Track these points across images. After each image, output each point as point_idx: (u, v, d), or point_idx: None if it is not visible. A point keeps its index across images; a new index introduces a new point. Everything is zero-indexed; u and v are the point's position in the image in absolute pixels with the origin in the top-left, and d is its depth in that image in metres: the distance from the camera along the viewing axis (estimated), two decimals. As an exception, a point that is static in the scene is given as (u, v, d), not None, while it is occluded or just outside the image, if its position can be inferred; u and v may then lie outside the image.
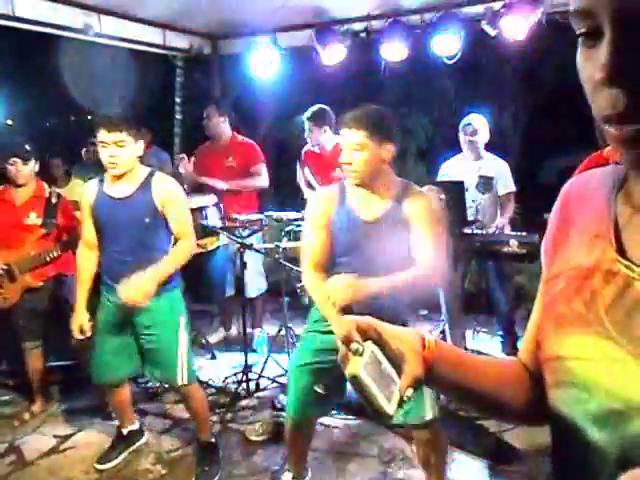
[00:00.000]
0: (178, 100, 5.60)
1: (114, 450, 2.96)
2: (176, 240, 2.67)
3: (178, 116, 5.58)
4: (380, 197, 2.16)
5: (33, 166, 3.28)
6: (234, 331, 4.61)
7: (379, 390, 0.72)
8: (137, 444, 3.04)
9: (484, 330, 4.35)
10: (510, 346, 3.98)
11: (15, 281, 3.25)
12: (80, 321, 2.67)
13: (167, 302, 2.66)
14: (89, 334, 2.68)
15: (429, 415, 2.16)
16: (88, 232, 2.69)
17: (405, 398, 0.73)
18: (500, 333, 4.09)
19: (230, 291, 4.33)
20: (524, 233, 3.30)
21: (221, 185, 4.05)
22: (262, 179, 4.24)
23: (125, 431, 3.00)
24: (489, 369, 0.86)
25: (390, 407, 0.72)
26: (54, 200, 3.30)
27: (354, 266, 2.10)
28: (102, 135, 2.45)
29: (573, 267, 0.70)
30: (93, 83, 8.68)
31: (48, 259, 3.24)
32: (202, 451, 2.90)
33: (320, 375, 2.25)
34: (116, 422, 3.15)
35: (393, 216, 2.13)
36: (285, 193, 4.54)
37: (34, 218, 3.25)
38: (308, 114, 4.09)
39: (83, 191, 2.72)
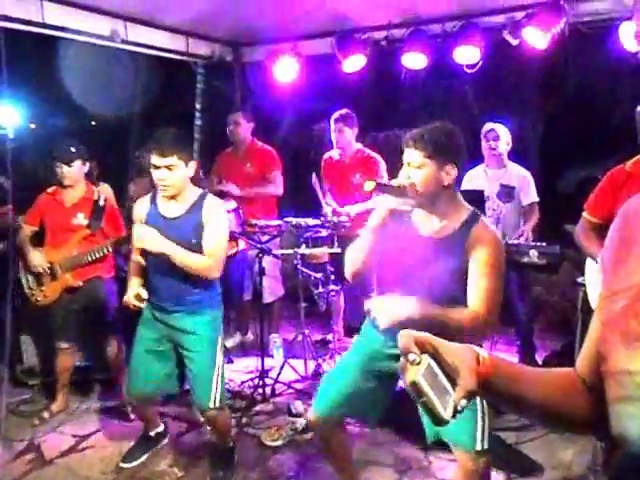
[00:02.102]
0: (198, 106, 5.67)
1: (138, 449, 3.00)
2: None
3: (198, 122, 5.66)
4: (440, 218, 2.08)
5: (79, 168, 3.34)
6: (250, 336, 4.64)
7: (436, 397, 0.78)
8: (160, 444, 3.08)
9: (502, 340, 4.32)
10: (528, 357, 3.94)
11: (56, 279, 3.32)
12: (136, 290, 2.65)
13: (208, 320, 2.69)
14: (142, 304, 2.65)
15: (477, 446, 2.08)
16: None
17: (459, 408, 0.78)
18: (518, 343, 4.06)
19: (247, 296, 4.37)
20: (544, 244, 3.28)
21: (235, 191, 4.09)
22: (276, 187, 4.27)
23: (152, 433, 3.04)
24: (545, 381, 0.89)
25: (446, 414, 0.78)
26: (101, 203, 3.37)
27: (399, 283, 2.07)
28: (154, 159, 2.49)
29: (636, 284, 0.72)
30: (117, 88, 8.82)
31: (90, 260, 3.29)
32: (218, 455, 2.92)
33: (354, 378, 2.23)
34: (134, 423, 3.19)
35: (452, 240, 2.02)
36: (303, 199, 4.56)
37: (81, 219, 3.32)
38: (337, 115, 4.11)
39: (135, 207, 2.74)
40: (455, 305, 1.97)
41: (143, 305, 2.64)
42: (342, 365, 2.39)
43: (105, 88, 8.74)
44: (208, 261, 2.56)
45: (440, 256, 2.01)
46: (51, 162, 3.31)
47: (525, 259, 3.17)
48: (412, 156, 2.01)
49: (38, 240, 3.44)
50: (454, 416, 0.79)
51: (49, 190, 3.41)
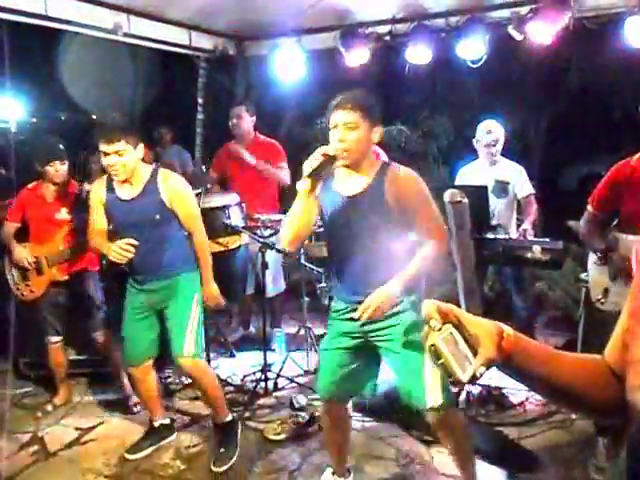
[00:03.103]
0: (200, 100, 5.66)
1: (145, 441, 3.02)
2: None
3: (200, 116, 5.64)
4: (362, 175, 2.20)
5: (67, 165, 3.35)
6: (252, 330, 4.65)
7: (454, 361, 0.84)
8: (167, 439, 3.09)
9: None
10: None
11: (42, 274, 3.32)
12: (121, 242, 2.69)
13: (183, 280, 2.82)
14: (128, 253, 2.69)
15: (429, 402, 2.19)
16: (99, 224, 2.82)
17: (478, 374, 0.83)
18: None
19: (250, 290, 4.36)
20: (547, 239, 3.28)
21: (249, 158, 4.08)
22: (285, 174, 4.27)
23: (156, 424, 3.05)
24: (569, 363, 0.91)
25: (464, 376, 0.84)
26: (84, 196, 3.36)
27: (339, 241, 2.24)
28: (102, 146, 2.58)
29: None
30: (119, 82, 8.81)
31: (75, 254, 3.29)
32: (219, 432, 2.95)
33: (345, 357, 2.33)
34: (137, 416, 3.20)
35: (375, 193, 2.16)
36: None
37: (64, 214, 3.33)
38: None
39: (92, 191, 2.86)
40: (392, 250, 2.14)
41: (132, 254, 2.66)
42: (324, 347, 2.47)
43: (107, 82, 8.74)
44: (201, 237, 2.81)
45: (367, 212, 2.15)
46: (42, 161, 3.26)
47: (528, 255, 3.16)
48: (348, 117, 2.09)
49: (23, 236, 3.42)
50: (472, 382, 0.85)
51: (29, 186, 3.40)
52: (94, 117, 11.97)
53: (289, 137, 5.64)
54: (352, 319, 2.24)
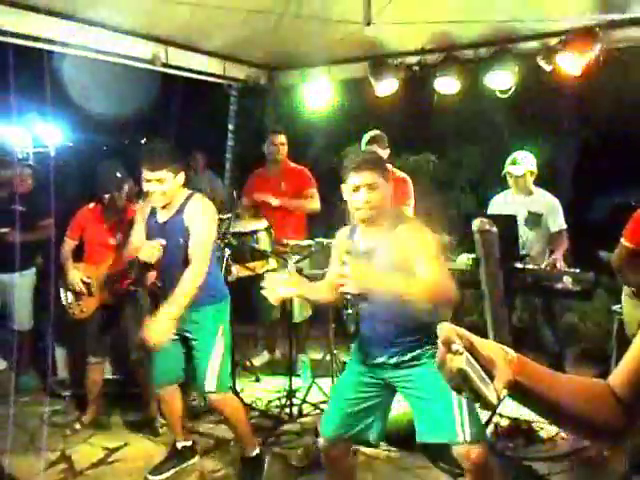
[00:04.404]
0: (231, 127, 5.82)
1: (167, 463, 3.04)
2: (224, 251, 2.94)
3: (230, 142, 5.79)
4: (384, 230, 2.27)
5: (126, 190, 3.45)
6: (278, 355, 4.66)
7: (480, 383, 0.83)
8: (188, 462, 3.10)
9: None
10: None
11: (92, 295, 3.41)
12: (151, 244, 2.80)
13: (209, 311, 2.84)
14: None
15: (459, 437, 2.16)
16: (137, 240, 2.92)
17: (502, 397, 0.83)
18: (549, 371, 3.97)
19: (276, 315, 4.39)
20: (577, 270, 3.24)
21: (274, 201, 4.16)
22: (314, 202, 4.33)
23: (179, 446, 3.07)
24: (573, 386, 0.92)
25: (493, 397, 0.83)
26: None
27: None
28: (145, 173, 2.68)
29: None
30: (156, 108, 9.09)
31: (125, 277, 3.37)
32: (246, 465, 2.94)
33: (355, 397, 2.34)
34: (163, 438, 3.23)
35: (390, 245, 2.22)
36: (333, 221, 4.60)
37: (120, 239, 3.40)
38: (369, 137, 4.11)
39: (140, 207, 3.00)
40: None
41: (158, 253, 2.73)
42: (339, 387, 2.50)
43: (140, 109, 9.03)
44: (194, 269, 2.67)
45: (386, 263, 2.19)
46: (102, 190, 3.39)
47: (558, 285, 3.13)
48: (370, 178, 2.19)
49: (77, 254, 3.53)
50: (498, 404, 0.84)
51: (90, 206, 3.50)
52: (126, 142, 12.37)
53: (317, 164, 5.72)
54: (373, 365, 2.30)
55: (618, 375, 0.93)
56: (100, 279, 3.39)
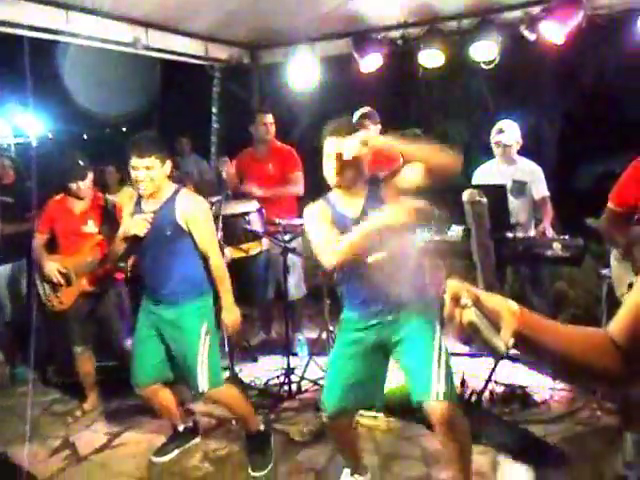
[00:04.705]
0: (215, 110, 5.77)
1: (170, 444, 3.07)
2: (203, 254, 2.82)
3: (215, 125, 5.74)
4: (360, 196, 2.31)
5: (90, 179, 3.42)
6: (274, 335, 4.69)
7: (490, 334, 0.89)
8: (192, 442, 3.14)
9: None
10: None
11: (71, 285, 3.40)
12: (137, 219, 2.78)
13: (188, 309, 2.79)
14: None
15: (437, 393, 2.21)
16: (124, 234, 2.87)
17: (509, 345, 0.88)
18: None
19: (271, 295, 4.42)
20: (566, 236, 3.29)
21: (257, 192, 4.15)
22: (298, 187, 4.32)
23: (180, 428, 3.10)
24: (574, 335, 0.98)
25: (502, 345, 0.88)
26: (110, 208, 3.44)
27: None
28: (134, 160, 2.66)
29: None
30: (137, 94, 8.95)
31: (102, 264, 3.36)
32: (253, 441, 2.97)
33: (349, 367, 2.37)
34: (165, 420, 3.25)
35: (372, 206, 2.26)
36: (319, 198, 4.61)
37: (92, 226, 3.40)
38: (361, 113, 4.09)
39: (124, 200, 2.96)
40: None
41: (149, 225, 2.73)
42: (334, 360, 2.50)
43: (120, 94, 8.90)
44: (217, 261, 2.80)
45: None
46: (65, 179, 3.35)
47: (548, 252, 3.17)
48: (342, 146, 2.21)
49: (51, 246, 3.50)
50: (505, 352, 0.89)
51: (57, 197, 3.47)
52: (107, 130, 12.21)
53: (303, 142, 5.70)
54: (362, 329, 2.33)
55: (616, 324, 0.97)
56: (78, 268, 3.37)
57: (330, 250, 2.20)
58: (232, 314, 2.87)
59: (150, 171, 2.66)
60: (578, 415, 3.23)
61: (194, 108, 7.43)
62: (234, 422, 3.34)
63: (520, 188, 3.83)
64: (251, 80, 5.68)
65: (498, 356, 0.94)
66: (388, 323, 2.31)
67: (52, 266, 3.36)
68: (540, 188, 3.87)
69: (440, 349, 2.31)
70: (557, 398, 3.44)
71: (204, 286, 2.86)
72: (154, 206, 2.77)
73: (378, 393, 2.46)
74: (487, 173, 3.97)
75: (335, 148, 2.22)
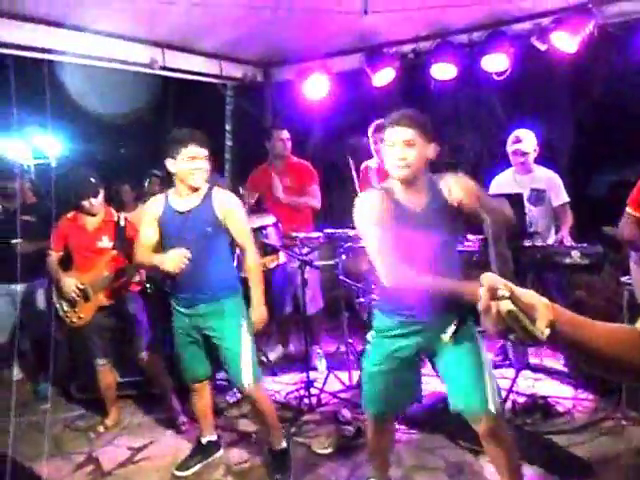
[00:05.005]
0: (228, 127, 5.86)
1: (192, 458, 3.08)
2: (236, 247, 2.90)
3: (228, 142, 5.83)
4: (420, 192, 2.27)
5: (102, 195, 3.49)
6: (292, 348, 4.70)
7: (528, 321, 0.91)
8: (214, 456, 3.15)
9: (545, 345, 4.29)
10: (573, 361, 3.91)
11: (89, 301, 3.45)
12: (176, 252, 2.74)
13: (228, 305, 2.85)
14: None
15: (491, 407, 2.22)
16: (148, 238, 2.86)
17: (545, 336, 0.90)
18: (562, 347, 4.02)
19: (288, 309, 4.44)
20: (585, 244, 3.28)
21: (280, 195, 4.20)
22: (316, 200, 4.37)
23: (204, 440, 3.12)
24: (603, 330, 0.99)
25: (541, 335, 0.91)
26: (122, 223, 3.50)
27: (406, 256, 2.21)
28: (194, 149, 2.69)
29: None
30: (152, 113, 9.12)
31: (120, 278, 3.41)
32: (274, 459, 2.98)
33: (391, 375, 2.37)
34: (186, 434, 3.27)
35: (440, 205, 2.24)
36: (337, 212, 4.66)
37: (106, 241, 3.45)
38: (375, 125, 4.11)
39: (148, 204, 2.94)
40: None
41: (184, 263, 2.72)
42: (374, 366, 2.46)
43: (134, 114, 9.06)
44: (252, 255, 2.87)
45: (436, 224, 2.22)
46: (77, 196, 3.40)
47: (567, 260, 3.17)
48: (406, 134, 2.17)
49: (65, 263, 3.55)
50: (541, 343, 0.92)
51: (69, 215, 3.53)
52: (122, 150, 12.41)
53: (318, 157, 5.77)
54: (403, 335, 2.31)
55: None
56: (94, 283, 3.42)
57: (392, 272, 2.18)
58: (260, 310, 2.91)
59: (206, 162, 2.73)
60: (602, 425, 3.19)
61: (207, 125, 7.55)
62: (254, 436, 3.36)
63: (538, 196, 3.84)
64: (263, 97, 5.76)
65: (537, 344, 0.95)
66: (430, 330, 2.27)
67: (70, 282, 3.42)
68: (559, 195, 3.87)
69: (487, 361, 2.31)
70: (580, 408, 3.41)
71: (238, 283, 2.95)
72: (189, 205, 2.78)
73: (417, 391, 2.49)
74: (504, 182, 3.98)
75: (401, 135, 2.16)
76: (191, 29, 4.17)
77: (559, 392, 3.61)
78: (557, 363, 4.01)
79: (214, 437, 3.17)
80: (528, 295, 0.93)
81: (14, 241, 3.65)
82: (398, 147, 2.18)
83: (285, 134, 4.37)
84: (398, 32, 4.54)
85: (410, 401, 2.52)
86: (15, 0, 3.31)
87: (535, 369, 3.92)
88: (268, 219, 3.92)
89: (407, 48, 4.66)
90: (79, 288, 3.41)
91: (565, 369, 3.92)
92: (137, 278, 3.57)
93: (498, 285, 0.92)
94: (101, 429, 3.54)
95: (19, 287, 3.88)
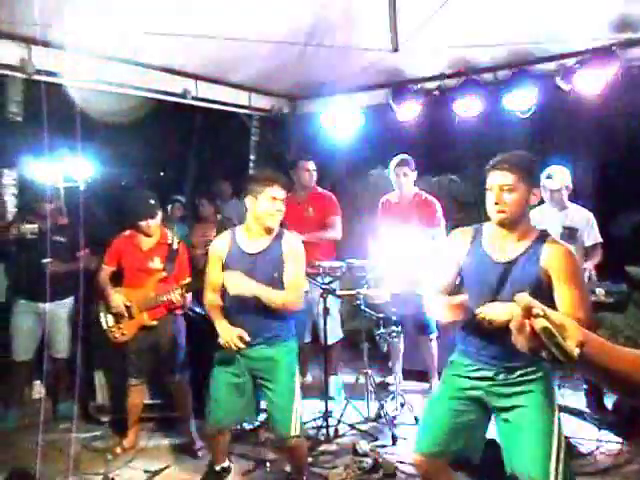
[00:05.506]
0: (252, 157, 6.01)
1: None
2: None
3: (253, 172, 5.95)
4: (517, 239, 2.19)
5: (160, 217, 3.57)
6: (309, 378, 4.68)
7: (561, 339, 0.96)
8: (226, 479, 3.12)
9: (568, 385, 4.23)
10: (596, 401, 3.84)
11: (133, 318, 3.51)
12: (237, 331, 2.68)
13: (285, 353, 2.79)
14: (244, 345, 2.68)
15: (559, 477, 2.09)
16: (216, 278, 2.78)
17: (576, 354, 0.95)
18: (585, 387, 3.96)
19: (307, 338, 4.44)
20: (609, 283, 3.26)
21: (302, 236, 4.24)
22: (336, 231, 4.43)
23: (217, 468, 3.09)
24: (629, 356, 1.03)
25: (573, 351, 0.95)
26: (175, 247, 3.57)
27: (479, 303, 2.16)
28: (277, 191, 2.70)
29: None
30: (178, 141, 9.35)
31: (166, 300, 3.45)
32: None
33: (455, 413, 2.29)
34: (202, 460, 3.26)
35: (528, 258, 2.15)
36: (358, 242, 4.70)
37: (157, 263, 3.52)
38: (399, 160, 4.22)
39: (214, 243, 2.90)
40: None
41: (244, 346, 2.67)
42: (434, 402, 2.44)
43: (160, 141, 9.29)
44: (290, 295, 2.69)
45: (517, 278, 2.14)
46: (137, 217, 3.48)
47: (591, 297, 3.15)
48: (505, 179, 2.13)
49: (114, 279, 3.62)
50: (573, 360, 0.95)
51: (126, 233, 3.61)
52: (146, 176, 12.69)
53: (341, 188, 5.85)
54: (478, 378, 2.25)
55: None
56: (141, 302, 3.48)
57: (432, 297, 2.25)
58: (241, 277, 2.68)
59: (284, 205, 2.74)
60: (625, 468, 3.12)
61: (232, 155, 7.71)
62: (268, 464, 3.34)
63: (571, 234, 3.81)
64: (288, 129, 5.90)
65: (570, 362, 0.97)
66: (498, 382, 2.21)
67: (118, 298, 3.49)
68: (593, 234, 3.85)
69: (560, 435, 2.13)
70: (603, 450, 3.33)
71: (294, 325, 2.89)
72: (259, 246, 2.74)
73: (475, 445, 2.34)
74: (536, 218, 3.97)
75: (498, 180, 2.14)
76: (223, 61, 4.32)
77: (582, 433, 3.54)
78: (580, 404, 3.94)
79: (225, 464, 3.11)
80: (559, 315, 0.99)
81: (44, 261, 3.74)
82: (494, 192, 2.15)
83: (311, 165, 4.46)
84: (424, 69, 4.66)
85: (464, 451, 2.32)
86: (60, 32, 3.46)
87: (558, 409, 3.85)
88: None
89: (432, 85, 4.76)
90: (125, 305, 3.48)
91: (588, 410, 3.84)
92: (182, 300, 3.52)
93: (533, 304, 0.98)
94: (118, 450, 3.54)
95: (47, 306, 3.95)
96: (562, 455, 2.10)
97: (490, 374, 2.22)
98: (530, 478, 2.10)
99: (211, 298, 2.84)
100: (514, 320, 1.00)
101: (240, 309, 2.72)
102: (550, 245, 2.15)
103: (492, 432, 2.36)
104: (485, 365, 2.24)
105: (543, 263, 2.12)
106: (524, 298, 0.99)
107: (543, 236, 2.20)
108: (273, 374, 2.75)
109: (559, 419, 2.18)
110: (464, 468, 3.09)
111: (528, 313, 0.98)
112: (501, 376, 2.20)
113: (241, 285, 2.62)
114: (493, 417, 2.31)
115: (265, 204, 2.69)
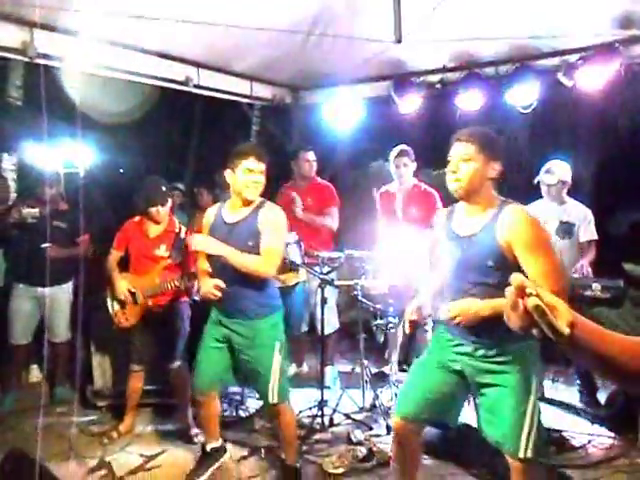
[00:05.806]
0: (253, 147, 5.96)
1: (201, 467, 3.09)
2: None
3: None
4: (480, 213, 2.21)
5: (170, 205, 3.58)
6: (305, 368, 4.72)
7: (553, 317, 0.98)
8: (221, 460, 3.16)
9: (562, 380, 4.27)
10: (589, 397, 3.87)
11: (137, 304, 3.52)
12: (213, 281, 2.80)
13: (262, 327, 2.86)
14: (220, 294, 2.79)
15: (520, 453, 2.15)
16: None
17: (566, 332, 0.97)
18: (578, 382, 3.99)
19: (304, 328, 4.47)
20: (605, 278, 3.29)
21: (298, 212, 4.29)
22: (332, 221, 4.44)
23: (208, 448, 3.12)
24: (620, 342, 1.04)
25: (564, 329, 0.97)
26: (182, 235, 3.57)
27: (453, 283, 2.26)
28: (252, 163, 2.75)
29: None
30: (178, 129, 9.33)
31: (169, 287, 3.46)
32: (285, 475, 2.98)
33: (435, 379, 2.36)
34: (198, 446, 3.29)
35: (487, 231, 2.16)
36: (358, 233, 4.71)
37: (163, 250, 3.52)
38: (398, 150, 4.23)
39: (206, 214, 3.01)
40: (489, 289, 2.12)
41: (219, 294, 2.79)
42: (418, 370, 2.49)
43: (160, 129, 9.28)
44: (261, 261, 2.73)
45: (477, 251, 2.17)
46: (147, 203, 3.47)
47: (587, 292, 3.18)
48: (464, 149, 2.17)
49: (121, 264, 3.64)
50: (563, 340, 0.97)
51: (136, 219, 3.62)
52: (145, 164, 12.67)
53: (339, 180, 5.86)
54: (459, 353, 2.30)
55: None
56: (145, 288, 3.49)
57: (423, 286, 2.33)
58: (210, 240, 2.84)
59: (262, 176, 2.78)
60: (617, 462, 3.15)
61: (232, 144, 7.70)
62: (263, 451, 3.37)
63: (567, 229, 3.82)
64: (289, 119, 5.89)
65: (561, 340, 0.98)
66: (477, 357, 2.26)
67: (122, 284, 3.50)
68: (589, 231, 3.85)
69: (532, 416, 2.17)
70: (595, 444, 3.37)
71: (277, 301, 2.95)
72: (237, 217, 2.83)
73: (453, 413, 2.44)
74: (536, 212, 3.97)
75: (458, 150, 2.18)
76: (226, 49, 4.31)
77: (575, 426, 3.58)
78: (574, 398, 3.97)
79: (218, 444, 3.15)
80: (551, 296, 1.00)
81: (44, 245, 3.75)
82: (453, 162, 2.19)
83: (312, 156, 4.47)
84: (427, 61, 4.65)
85: (441, 417, 2.41)
86: (63, 16, 3.44)
87: (551, 402, 3.89)
88: (290, 236, 3.96)
89: (435, 77, 4.76)
90: (130, 291, 3.50)
91: (581, 404, 3.88)
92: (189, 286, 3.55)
93: (526, 284, 1.00)
94: (114, 435, 3.57)
95: (46, 290, 3.96)
96: (533, 435, 2.16)
97: (469, 349, 2.27)
98: (504, 450, 2.21)
99: (201, 263, 2.97)
100: (507, 299, 1.02)
101: (221, 279, 2.79)
102: (508, 214, 2.12)
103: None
104: (464, 341, 2.29)
105: (502, 233, 2.11)
106: (518, 277, 1.01)
107: (503, 205, 2.17)
108: (251, 347, 2.83)
109: (535, 402, 2.22)
110: (455, 458, 3.15)
111: (521, 292, 0.99)
112: (480, 352, 2.24)
113: (206, 243, 2.77)
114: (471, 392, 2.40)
115: (242, 176, 2.76)
